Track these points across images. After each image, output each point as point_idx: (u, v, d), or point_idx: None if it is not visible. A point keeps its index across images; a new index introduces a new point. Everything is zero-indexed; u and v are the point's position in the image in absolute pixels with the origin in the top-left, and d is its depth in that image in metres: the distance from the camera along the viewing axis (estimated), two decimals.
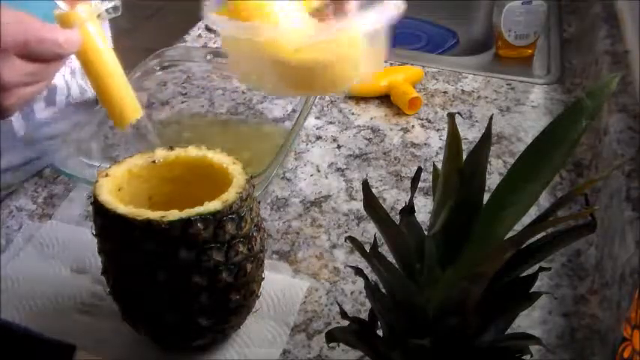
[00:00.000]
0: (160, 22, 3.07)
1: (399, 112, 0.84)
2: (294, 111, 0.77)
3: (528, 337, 0.40)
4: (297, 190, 0.72)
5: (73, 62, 0.79)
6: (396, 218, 0.42)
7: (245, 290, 0.51)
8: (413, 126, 0.81)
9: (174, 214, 0.46)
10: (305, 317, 0.58)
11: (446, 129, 0.39)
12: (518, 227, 0.38)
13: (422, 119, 0.79)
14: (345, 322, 0.43)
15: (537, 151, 0.37)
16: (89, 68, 0.54)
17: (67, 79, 0.80)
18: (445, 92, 0.89)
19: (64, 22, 0.51)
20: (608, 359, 0.52)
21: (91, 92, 0.84)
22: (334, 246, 0.65)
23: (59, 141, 0.72)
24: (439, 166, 0.41)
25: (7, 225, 0.67)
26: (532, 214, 0.39)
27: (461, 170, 0.37)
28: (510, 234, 0.37)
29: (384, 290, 0.42)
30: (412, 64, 0.95)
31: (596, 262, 0.62)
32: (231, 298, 0.50)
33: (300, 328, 0.57)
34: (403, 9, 0.58)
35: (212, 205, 0.47)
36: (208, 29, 1.06)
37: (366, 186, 0.39)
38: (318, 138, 0.80)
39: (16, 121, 0.75)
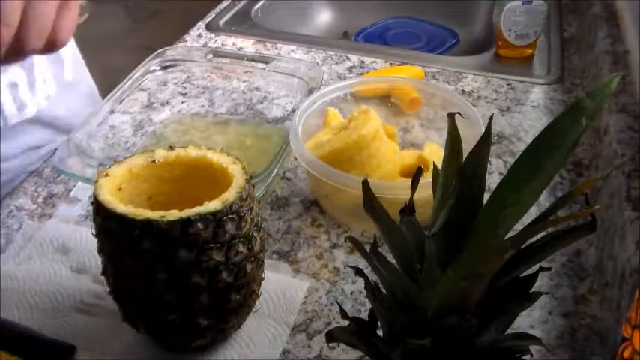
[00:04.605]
0: (160, 22, 3.08)
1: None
2: (294, 111, 0.77)
3: (528, 337, 0.40)
4: (297, 190, 0.72)
5: (10, 73, 0.74)
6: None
7: (245, 290, 0.51)
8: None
9: (174, 214, 0.46)
10: (305, 317, 0.58)
11: (446, 129, 0.39)
12: (518, 227, 0.38)
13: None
14: (345, 322, 0.43)
15: (537, 151, 0.37)
16: None
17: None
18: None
19: None
20: (608, 359, 0.52)
21: (32, 109, 0.78)
22: (334, 246, 0.65)
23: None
24: (439, 166, 0.41)
25: (7, 225, 0.67)
26: (532, 214, 0.39)
27: (461, 170, 0.37)
28: (510, 234, 0.37)
29: (384, 290, 0.42)
30: (412, 64, 0.95)
31: (596, 262, 0.62)
32: (231, 298, 0.50)
33: (300, 328, 0.57)
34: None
35: (212, 205, 0.47)
36: (208, 29, 1.06)
37: (366, 185, 0.39)
38: None
39: None
